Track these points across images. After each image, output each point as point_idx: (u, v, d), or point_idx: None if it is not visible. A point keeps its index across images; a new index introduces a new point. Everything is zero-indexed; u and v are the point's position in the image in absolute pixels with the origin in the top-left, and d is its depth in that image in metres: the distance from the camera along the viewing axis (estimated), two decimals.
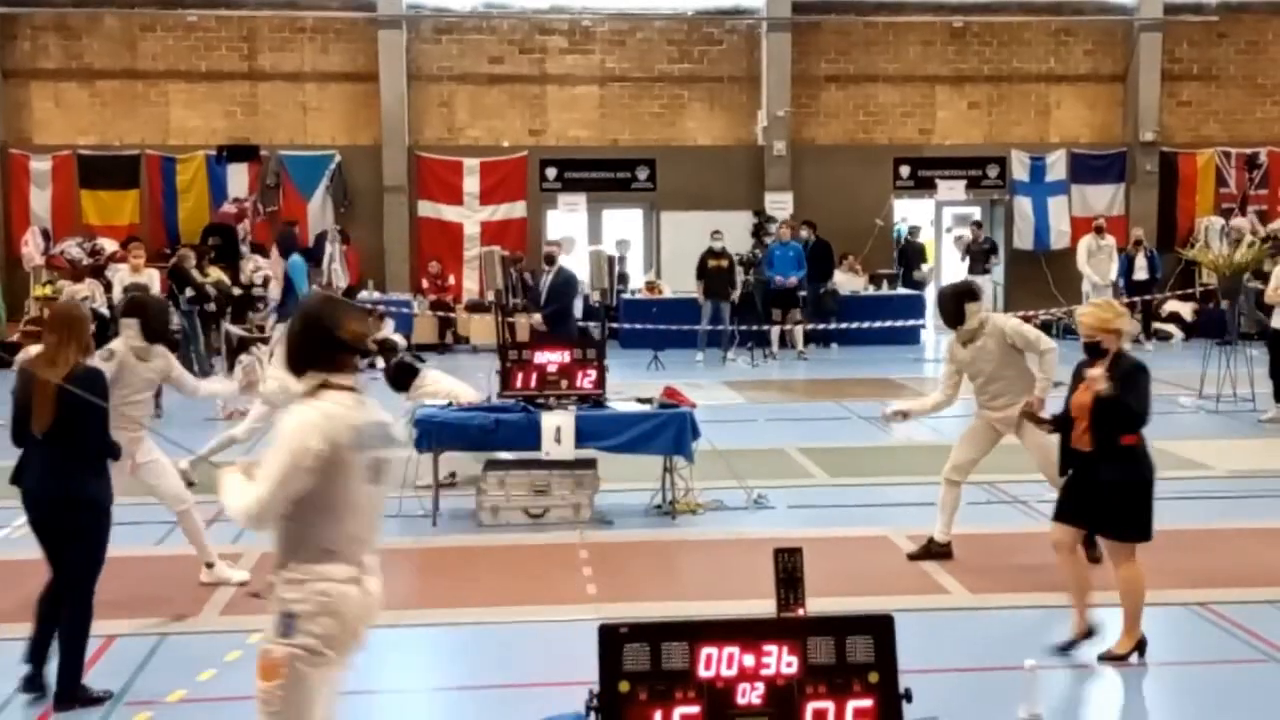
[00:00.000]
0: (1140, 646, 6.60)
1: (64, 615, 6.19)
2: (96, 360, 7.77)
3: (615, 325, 19.35)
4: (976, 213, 23.69)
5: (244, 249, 20.67)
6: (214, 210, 21.43)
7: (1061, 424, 6.65)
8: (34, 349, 16.33)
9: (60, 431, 6.06)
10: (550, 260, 15.97)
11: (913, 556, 8.43)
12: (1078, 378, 6.53)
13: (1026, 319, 21.46)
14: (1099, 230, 20.42)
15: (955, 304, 8.29)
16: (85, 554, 6.18)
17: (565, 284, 15.70)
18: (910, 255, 22.81)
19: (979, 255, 21.30)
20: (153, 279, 15.58)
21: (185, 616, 7.48)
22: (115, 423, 7.63)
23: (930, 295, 22.38)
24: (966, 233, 22.24)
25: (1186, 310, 21.73)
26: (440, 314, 21.27)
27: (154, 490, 7.96)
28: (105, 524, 6.25)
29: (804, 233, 20.55)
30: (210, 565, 8.04)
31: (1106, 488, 6.40)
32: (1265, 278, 14.48)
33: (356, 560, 4.17)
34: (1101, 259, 20.15)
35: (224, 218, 21.06)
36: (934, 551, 8.45)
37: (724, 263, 19.69)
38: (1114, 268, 20.24)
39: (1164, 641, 7.21)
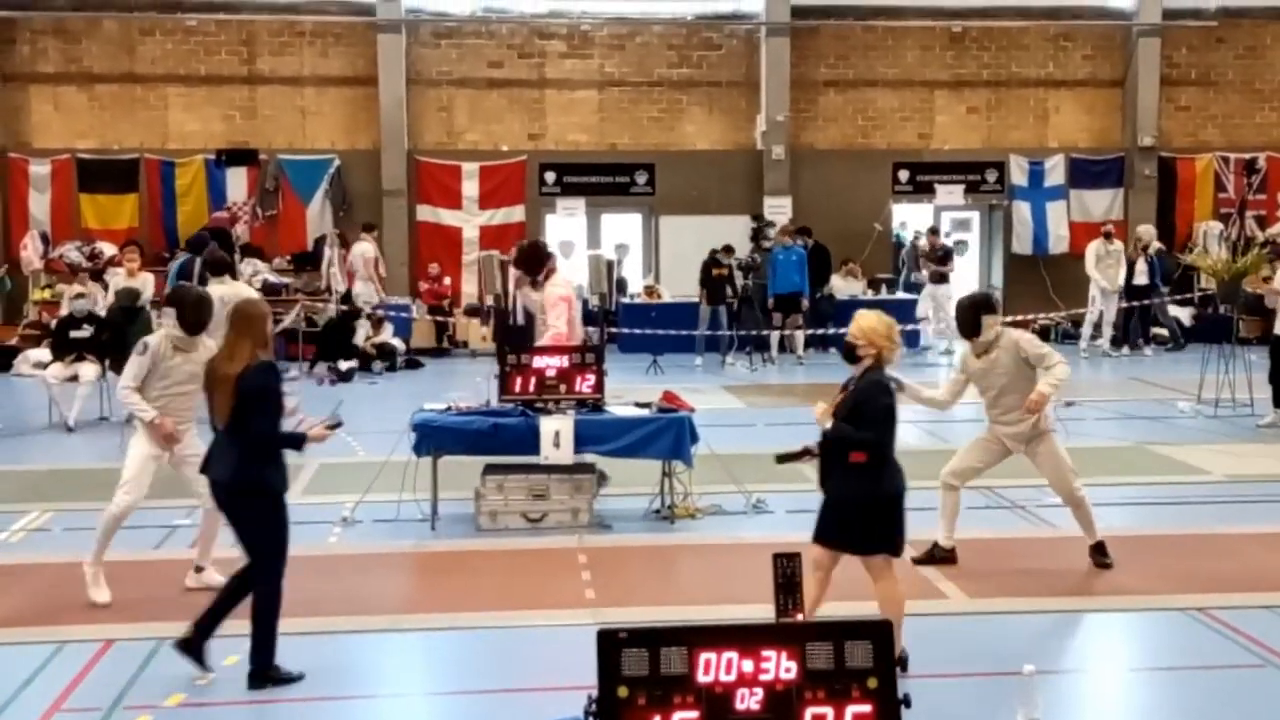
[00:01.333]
0: (901, 662, 6.33)
1: (254, 599, 6.48)
2: (133, 357, 7.84)
3: (614, 330, 19.35)
4: (971, 218, 23.70)
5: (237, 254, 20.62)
6: (210, 215, 21.38)
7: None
8: (33, 353, 16.30)
9: (237, 423, 6.39)
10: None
11: (917, 561, 8.43)
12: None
13: (1025, 324, 21.57)
14: (1107, 235, 20.41)
15: (972, 315, 8.26)
16: (265, 540, 6.47)
17: None
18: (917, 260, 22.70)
19: (938, 263, 20.87)
20: (147, 283, 15.49)
21: (184, 621, 7.46)
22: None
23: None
24: (924, 240, 21.93)
25: (1185, 315, 21.72)
26: (438, 318, 21.27)
27: (189, 483, 7.91)
28: (280, 511, 6.53)
29: (799, 241, 20.50)
30: (200, 570, 8.04)
31: (844, 505, 6.35)
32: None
33: None
34: (1110, 264, 20.14)
35: (217, 222, 21.02)
36: (938, 557, 8.46)
37: (725, 270, 19.80)
38: (1122, 272, 20.24)
39: (1163, 647, 7.22)
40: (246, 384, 6.36)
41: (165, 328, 7.88)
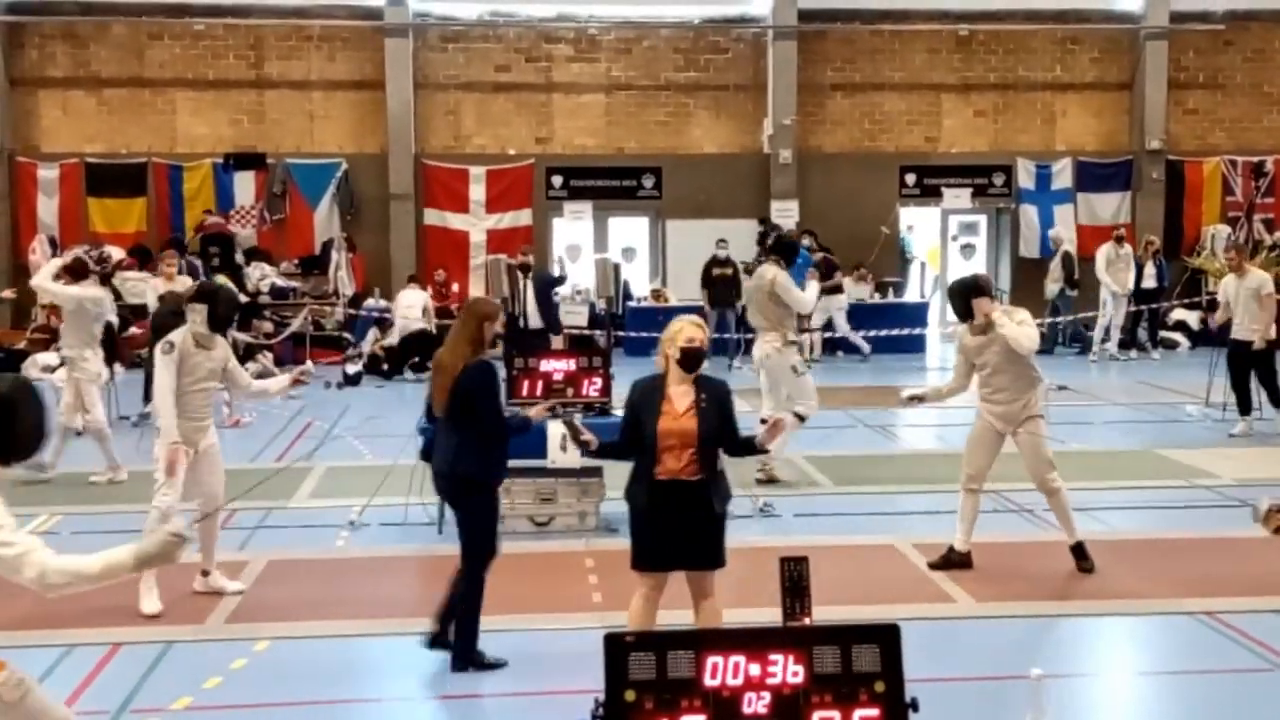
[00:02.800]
0: None
1: (460, 584, 6.69)
2: (158, 352, 7.84)
3: (621, 333, 19.36)
4: (978, 221, 23.67)
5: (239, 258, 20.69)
6: (216, 213, 21.35)
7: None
8: (41, 357, 16.30)
9: (456, 416, 6.60)
10: (525, 269, 17.17)
11: (934, 565, 8.43)
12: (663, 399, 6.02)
13: None
14: (1118, 239, 20.38)
15: (963, 300, 8.38)
16: (478, 528, 6.68)
17: (546, 285, 17.37)
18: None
19: (823, 277, 20.47)
20: (186, 286, 15.62)
21: (191, 624, 7.48)
22: (180, 411, 7.69)
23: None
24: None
25: (1193, 319, 21.69)
26: (446, 321, 21.26)
27: (200, 482, 7.90)
28: (490, 503, 6.79)
29: (805, 241, 20.48)
30: (206, 574, 8.03)
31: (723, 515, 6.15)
32: None
33: None
34: (1120, 268, 20.11)
35: (214, 228, 20.99)
36: (954, 561, 8.45)
37: (729, 270, 19.76)
38: (1131, 276, 20.21)
39: (1171, 651, 7.20)
40: (466, 383, 6.55)
41: (190, 323, 7.84)
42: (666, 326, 6.21)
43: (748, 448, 6.25)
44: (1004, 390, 8.33)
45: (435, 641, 6.80)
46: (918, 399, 9.04)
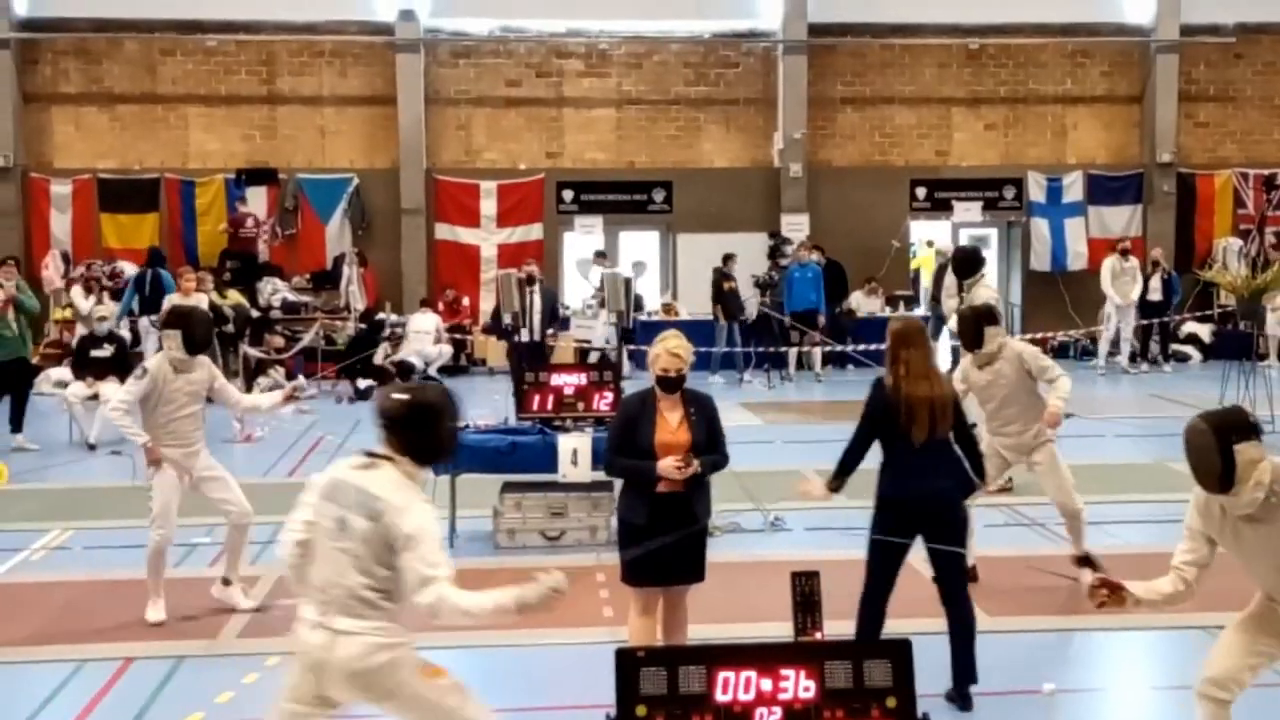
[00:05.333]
0: None
1: (965, 615, 6.47)
2: (130, 380, 7.80)
3: (631, 347, 19.38)
4: (989, 235, 23.66)
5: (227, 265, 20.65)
6: (228, 223, 21.36)
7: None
8: (54, 372, 16.41)
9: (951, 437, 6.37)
10: (531, 280, 17.39)
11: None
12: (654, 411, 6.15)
13: (1043, 341, 21.49)
14: (1124, 252, 20.36)
15: (975, 326, 8.16)
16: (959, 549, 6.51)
17: (553, 298, 18.19)
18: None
19: (764, 289, 20.42)
20: (201, 303, 15.79)
21: (203, 639, 7.49)
22: (163, 440, 7.67)
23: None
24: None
25: (1205, 331, 21.64)
26: (457, 336, 21.30)
27: (220, 503, 7.93)
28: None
29: (814, 255, 20.50)
30: (227, 583, 8.03)
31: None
32: None
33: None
34: (1125, 281, 20.08)
35: (236, 223, 21.00)
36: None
37: (735, 284, 19.85)
38: (1137, 289, 20.18)
39: (1184, 665, 7.16)
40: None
41: (166, 349, 7.78)
42: (653, 344, 6.28)
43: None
44: (1015, 421, 8.23)
45: (955, 699, 6.45)
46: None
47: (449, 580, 4.32)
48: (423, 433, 4.50)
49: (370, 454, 4.52)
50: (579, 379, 9.91)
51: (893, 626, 6.29)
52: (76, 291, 16.09)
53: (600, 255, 21.13)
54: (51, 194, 21.64)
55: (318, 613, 4.48)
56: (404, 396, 4.52)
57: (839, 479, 6.52)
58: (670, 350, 6.16)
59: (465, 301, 21.91)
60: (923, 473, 6.24)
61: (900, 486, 6.29)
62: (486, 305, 21.84)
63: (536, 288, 17.34)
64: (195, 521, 9.13)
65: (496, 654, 7.25)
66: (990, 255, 23.81)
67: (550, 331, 17.61)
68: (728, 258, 20.12)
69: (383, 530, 4.36)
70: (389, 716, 4.66)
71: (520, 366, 10.41)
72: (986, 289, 10.87)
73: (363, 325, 20.08)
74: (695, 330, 20.14)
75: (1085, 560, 8.34)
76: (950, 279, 12.13)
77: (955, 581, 6.40)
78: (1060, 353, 22.00)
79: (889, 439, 6.34)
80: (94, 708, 6.44)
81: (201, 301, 15.94)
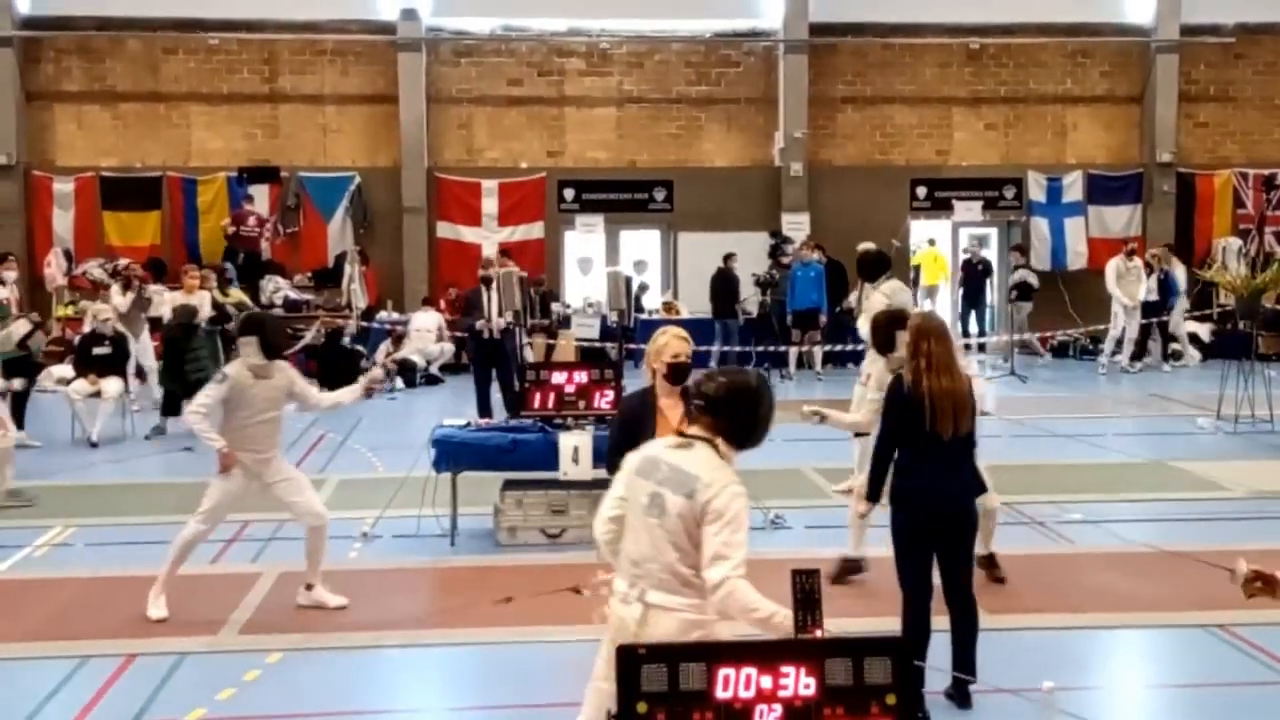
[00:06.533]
0: None
1: (969, 614, 6.46)
2: (210, 385, 7.76)
3: (632, 345, 19.42)
4: (989, 234, 23.69)
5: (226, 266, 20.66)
6: (231, 220, 21.38)
7: None
8: (56, 369, 16.41)
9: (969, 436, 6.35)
10: (488, 282, 16.57)
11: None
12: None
13: (1043, 340, 21.43)
14: (1129, 253, 20.38)
15: (886, 330, 7.90)
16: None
17: (530, 294, 18.11)
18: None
19: (765, 288, 20.31)
20: (204, 301, 15.81)
21: (205, 636, 7.51)
22: (239, 444, 7.64)
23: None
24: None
25: (1204, 330, 21.65)
26: (458, 334, 21.31)
27: (292, 507, 7.92)
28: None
29: (816, 255, 20.53)
30: (310, 587, 7.99)
31: None
32: None
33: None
34: (1130, 281, 20.10)
35: (238, 220, 21.03)
36: (849, 569, 8.43)
37: (736, 282, 19.95)
38: (1142, 289, 20.20)
39: (1184, 663, 7.19)
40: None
41: (244, 357, 7.77)
42: (651, 339, 6.25)
43: None
44: None
45: (954, 697, 6.45)
46: (819, 416, 8.07)
47: (739, 566, 4.45)
48: (740, 415, 4.58)
49: (685, 435, 4.60)
50: (580, 377, 9.91)
51: (892, 624, 6.31)
52: (115, 290, 16.16)
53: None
54: (54, 192, 21.67)
55: (629, 585, 4.57)
56: (723, 379, 4.60)
57: (876, 487, 6.51)
58: (677, 335, 6.19)
59: None
60: (946, 470, 6.21)
61: (924, 483, 6.21)
62: None
63: (494, 287, 15.48)
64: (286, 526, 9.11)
65: (496, 651, 7.27)
66: (990, 255, 23.89)
67: (506, 325, 15.29)
68: (728, 257, 20.19)
69: (696, 507, 4.48)
70: None
71: (521, 366, 10.42)
72: (883, 295, 10.31)
73: (364, 323, 20.07)
74: (695, 329, 20.23)
75: (989, 561, 8.33)
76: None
77: (963, 579, 6.40)
78: (1060, 352, 22.07)
79: (910, 436, 6.27)
80: (96, 704, 6.46)
81: (204, 300, 15.95)
